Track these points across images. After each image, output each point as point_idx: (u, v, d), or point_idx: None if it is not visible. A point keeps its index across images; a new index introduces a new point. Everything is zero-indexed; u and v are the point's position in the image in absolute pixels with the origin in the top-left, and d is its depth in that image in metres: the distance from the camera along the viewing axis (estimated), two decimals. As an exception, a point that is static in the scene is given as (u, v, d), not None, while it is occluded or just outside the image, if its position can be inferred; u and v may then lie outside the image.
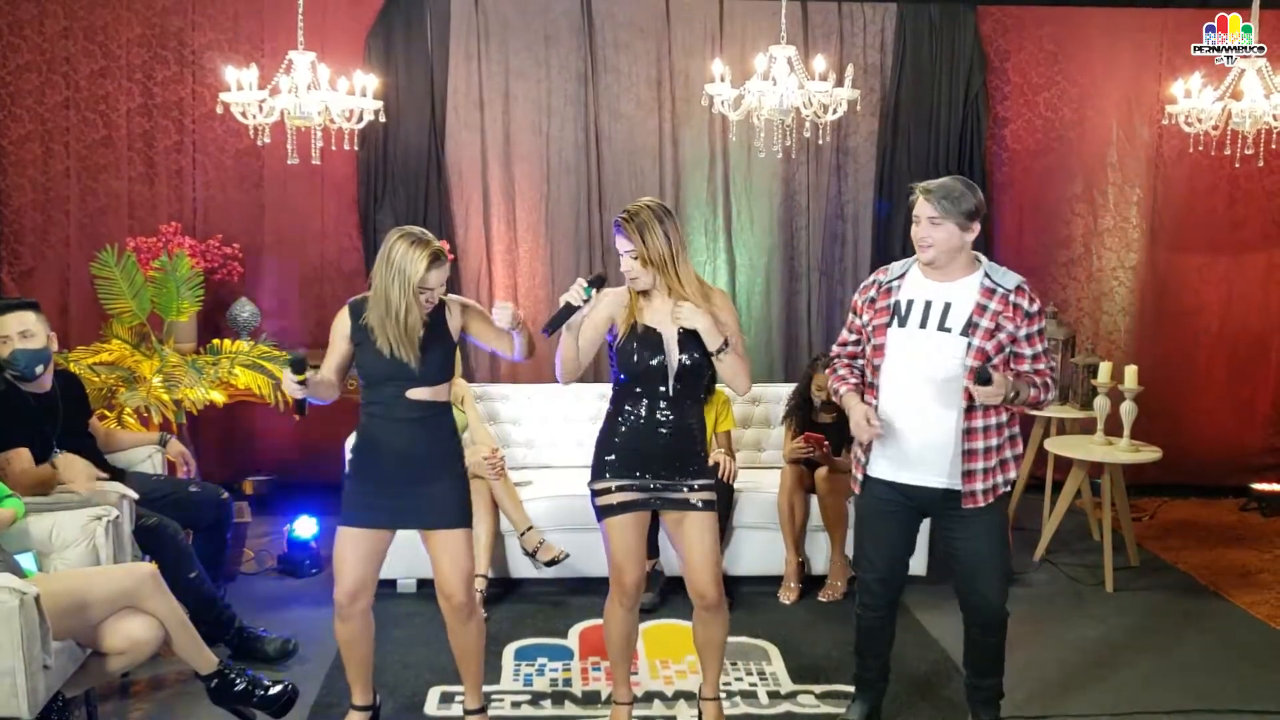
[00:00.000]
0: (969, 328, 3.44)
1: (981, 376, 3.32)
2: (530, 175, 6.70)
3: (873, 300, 3.61)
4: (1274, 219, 7.04)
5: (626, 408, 3.51)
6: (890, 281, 3.59)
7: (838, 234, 6.90)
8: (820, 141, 5.76)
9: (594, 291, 3.44)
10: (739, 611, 4.95)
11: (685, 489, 3.50)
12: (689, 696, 4.15)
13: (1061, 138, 6.93)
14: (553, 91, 6.65)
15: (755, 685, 4.27)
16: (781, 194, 6.82)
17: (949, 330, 3.46)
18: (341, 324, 3.57)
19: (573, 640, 4.67)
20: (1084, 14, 6.85)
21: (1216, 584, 5.47)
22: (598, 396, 5.87)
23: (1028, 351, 3.50)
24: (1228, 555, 5.94)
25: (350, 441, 3.62)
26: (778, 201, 6.82)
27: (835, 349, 3.78)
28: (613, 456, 3.52)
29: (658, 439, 3.48)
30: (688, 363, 3.43)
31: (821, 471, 5.16)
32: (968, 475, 3.50)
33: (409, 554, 5.08)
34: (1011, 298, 3.46)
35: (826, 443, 5.15)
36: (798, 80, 5.14)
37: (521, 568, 5.12)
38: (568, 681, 4.29)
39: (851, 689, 4.19)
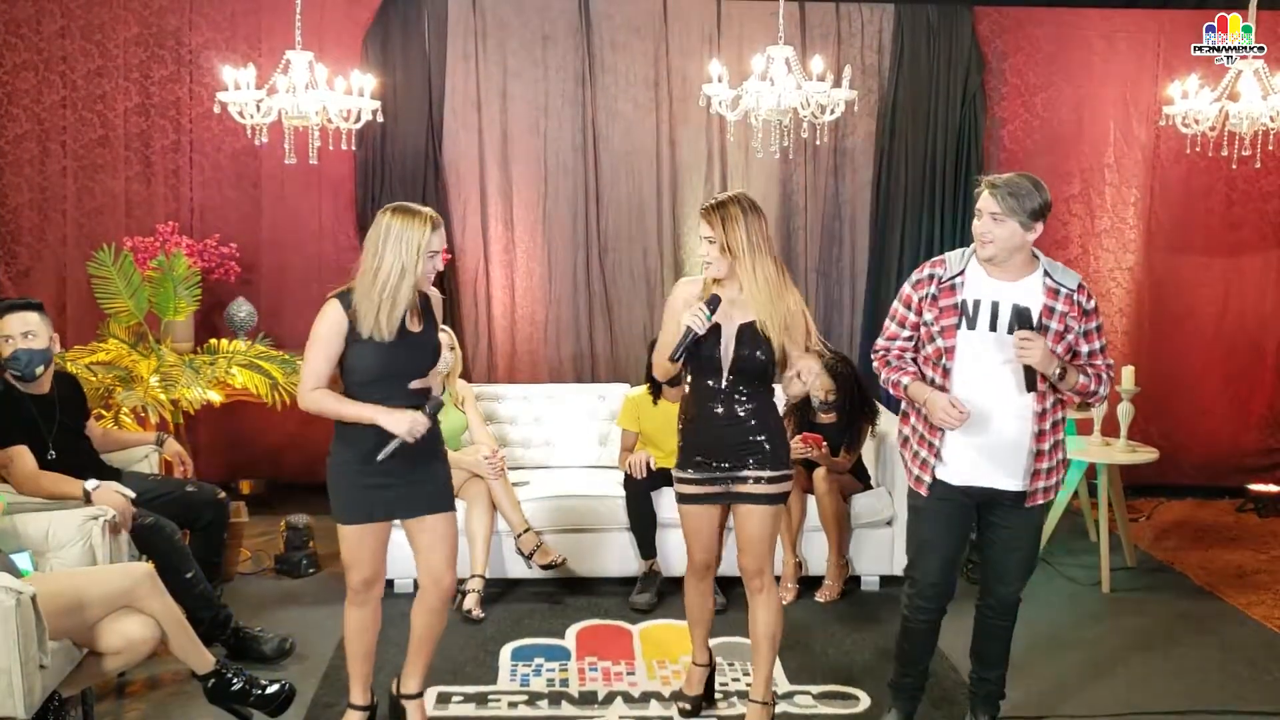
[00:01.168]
0: (1040, 330, 3.40)
1: (1023, 315, 3.33)
2: (528, 175, 6.70)
3: (934, 298, 3.50)
4: (1271, 220, 7.04)
5: (691, 397, 3.67)
6: (951, 278, 3.49)
7: (835, 234, 6.90)
8: (818, 142, 5.75)
9: (712, 315, 3.51)
10: (736, 612, 4.95)
11: (749, 480, 3.61)
12: (684, 696, 4.14)
13: (1059, 138, 6.94)
14: (550, 92, 6.65)
15: (752, 685, 4.26)
16: (779, 195, 6.82)
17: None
18: (336, 320, 3.39)
19: (569, 640, 4.67)
20: (1081, 15, 6.86)
21: (1213, 584, 5.48)
22: (596, 397, 5.88)
23: (1084, 348, 3.49)
24: (1224, 556, 5.94)
25: (340, 439, 3.50)
26: (775, 202, 6.82)
27: (882, 343, 3.65)
28: (685, 445, 3.70)
29: (715, 430, 3.61)
30: (747, 355, 3.55)
31: (820, 472, 5.16)
32: (1035, 475, 3.50)
33: (404, 555, 5.08)
34: (1075, 296, 3.45)
35: (825, 443, 5.16)
36: (795, 81, 5.14)
37: (518, 568, 5.12)
38: (564, 682, 4.28)
39: (847, 689, 4.21)
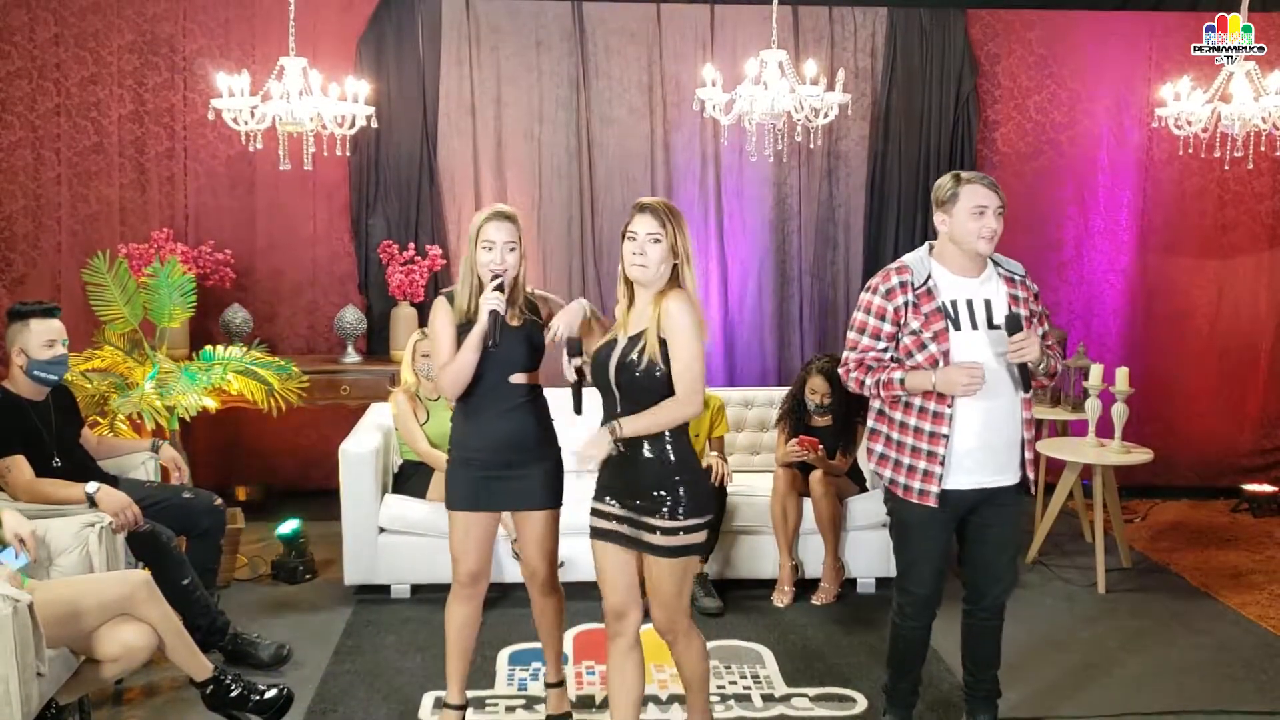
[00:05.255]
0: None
1: (1012, 321, 3.39)
2: (522, 181, 6.70)
3: (915, 305, 3.46)
4: (1263, 222, 7.07)
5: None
6: (924, 283, 3.47)
7: (829, 237, 6.91)
8: (811, 145, 5.77)
9: (572, 359, 3.35)
10: (733, 614, 4.96)
11: (646, 528, 3.23)
12: (682, 700, 4.15)
13: (1052, 141, 6.96)
14: (544, 97, 6.66)
15: (749, 688, 4.28)
16: (773, 198, 6.84)
17: (999, 327, 3.46)
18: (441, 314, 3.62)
19: (567, 645, 4.66)
20: (1073, 17, 6.88)
21: (1208, 585, 5.49)
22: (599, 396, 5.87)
23: (1039, 330, 3.56)
24: (1219, 556, 5.96)
25: (453, 429, 3.71)
26: (769, 205, 6.84)
27: (853, 355, 3.56)
28: (596, 476, 3.39)
29: (616, 462, 3.27)
30: (636, 374, 3.18)
31: (816, 475, 5.16)
32: (1029, 464, 3.59)
33: (401, 560, 5.11)
34: (1026, 280, 3.57)
35: (821, 446, 5.16)
36: (789, 84, 5.16)
37: (515, 572, 5.11)
38: (562, 686, 4.29)
39: (843, 690, 4.22)
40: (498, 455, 3.58)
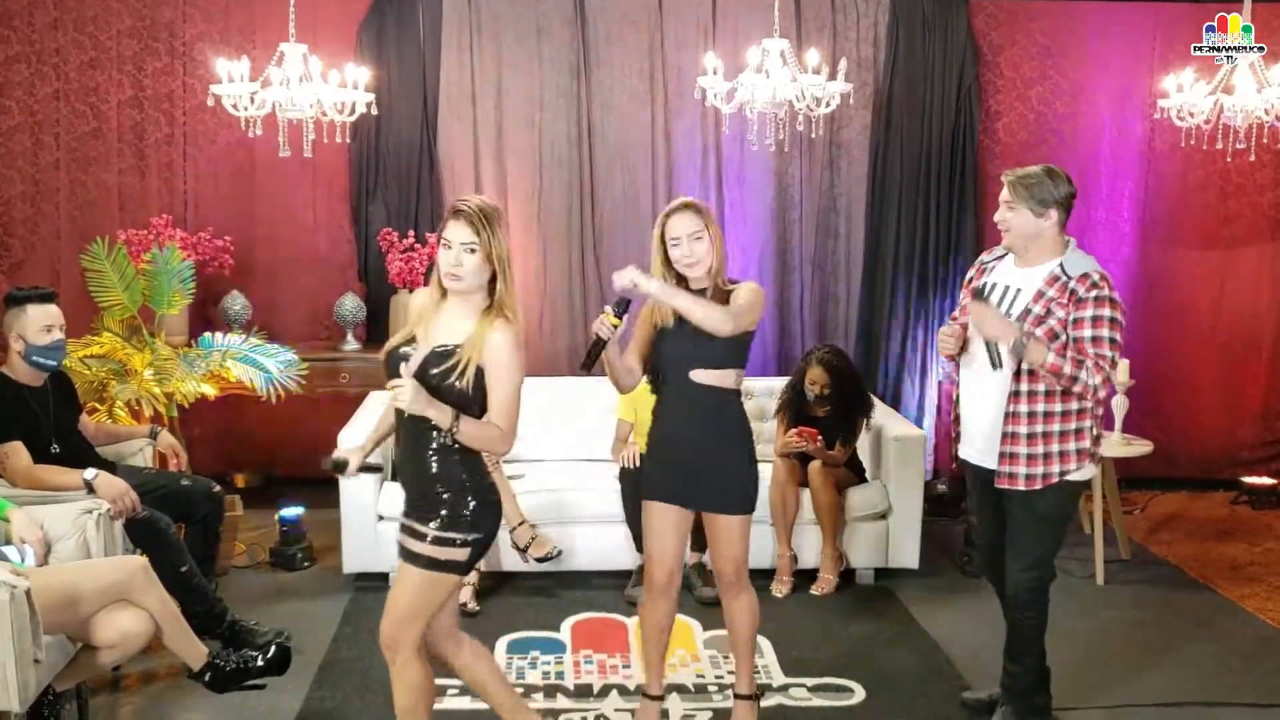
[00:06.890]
0: (1023, 315, 3.52)
1: (976, 292, 3.59)
2: (522, 168, 6.68)
3: (970, 280, 3.79)
4: (1265, 214, 7.05)
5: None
6: (990, 262, 3.77)
7: (830, 227, 6.89)
8: (813, 135, 5.75)
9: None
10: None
11: (415, 535, 3.07)
12: (681, 690, 4.15)
13: (1054, 131, 6.93)
14: (545, 84, 6.64)
15: (747, 678, 4.27)
16: (774, 187, 6.82)
17: (1009, 316, 3.55)
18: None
19: (564, 633, 4.67)
20: (1077, 8, 6.86)
21: (1207, 577, 5.49)
22: (590, 389, 5.85)
23: (1073, 335, 3.46)
24: (1218, 548, 5.96)
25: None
26: (770, 195, 6.82)
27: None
28: None
29: (404, 471, 3.14)
30: (439, 388, 2.97)
31: (814, 465, 5.16)
32: (1006, 458, 3.56)
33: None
34: (1071, 284, 3.48)
35: (820, 437, 5.16)
36: (790, 73, 5.14)
37: (513, 561, 5.12)
38: (560, 674, 4.29)
39: (841, 681, 4.24)
40: (689, 452, 3.53)
